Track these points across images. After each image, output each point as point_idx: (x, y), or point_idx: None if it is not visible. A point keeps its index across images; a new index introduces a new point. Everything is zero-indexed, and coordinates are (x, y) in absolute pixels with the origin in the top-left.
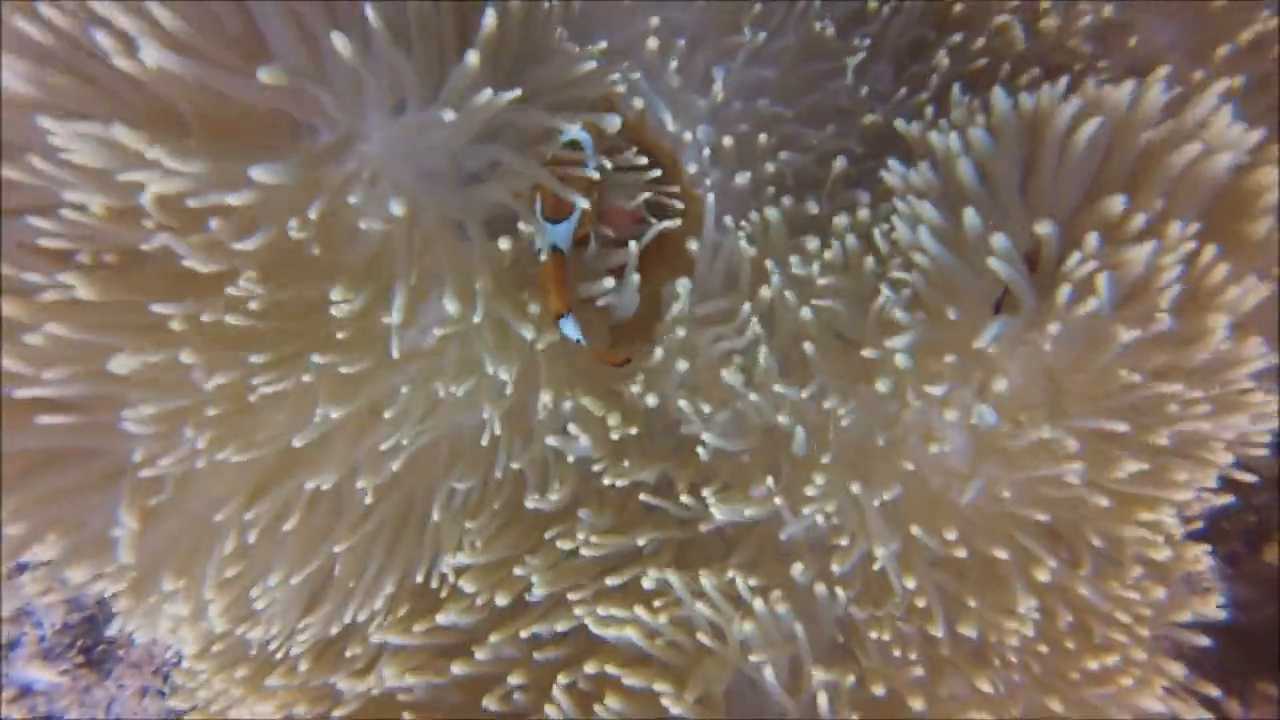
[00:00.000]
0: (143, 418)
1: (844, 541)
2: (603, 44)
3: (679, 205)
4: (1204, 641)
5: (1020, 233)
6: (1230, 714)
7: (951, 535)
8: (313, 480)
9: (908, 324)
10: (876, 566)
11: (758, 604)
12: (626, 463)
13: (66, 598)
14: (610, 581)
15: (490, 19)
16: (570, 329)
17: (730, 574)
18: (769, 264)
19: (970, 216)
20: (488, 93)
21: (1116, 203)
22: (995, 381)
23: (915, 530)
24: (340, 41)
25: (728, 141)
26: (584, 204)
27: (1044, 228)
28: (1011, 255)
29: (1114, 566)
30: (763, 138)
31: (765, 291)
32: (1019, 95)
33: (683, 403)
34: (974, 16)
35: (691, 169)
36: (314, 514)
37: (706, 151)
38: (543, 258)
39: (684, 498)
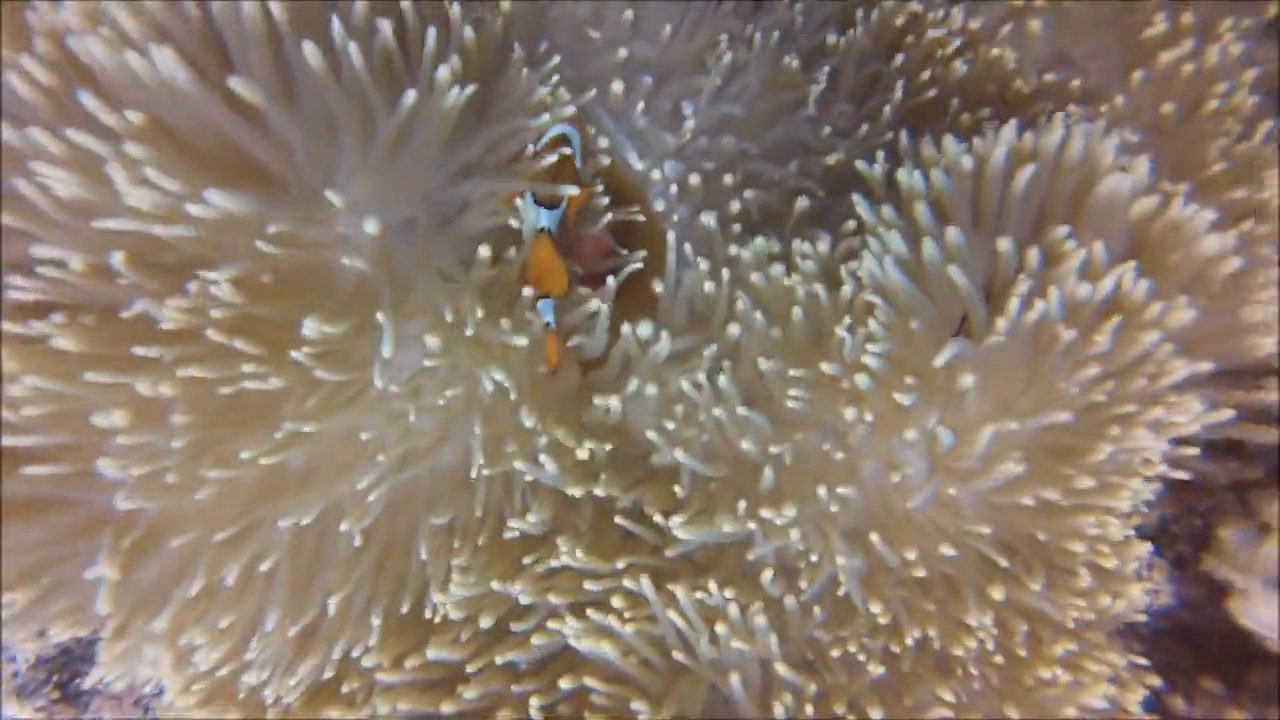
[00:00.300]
0: (121, 460)
1: (814, 557)
2: (556, 60)
3: (641, 218)
4: (1141, 618)
5: (974, 263)
6: (1174, 709)
7: (912, 555)
8: (295, 515)
9: (880, 335)
10: (841, 591)
11: (732, 609)
12: (603, 476)
13: (46, 645)
14: (589, 585)
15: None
16: (547, 312)
17: (700, 595)
18: (739, 294)
19: (928, 246)
20: (455, 90)
21: (1058, 233)
22: (954, 395)
23: (874, 538)
24: (311, 52)
25: (694, 180)
26: (574, 190)
27: (1003, 245)
28: (964, 255)
29: (1065, 576)
30: (728, 178)
31: (734, 329)
32: (972, 140)
33: (651, 434)
34: (920, 45)
35: (659, 206)
36: (300, 553)
37: (674, 189)
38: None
39: (657, 518)
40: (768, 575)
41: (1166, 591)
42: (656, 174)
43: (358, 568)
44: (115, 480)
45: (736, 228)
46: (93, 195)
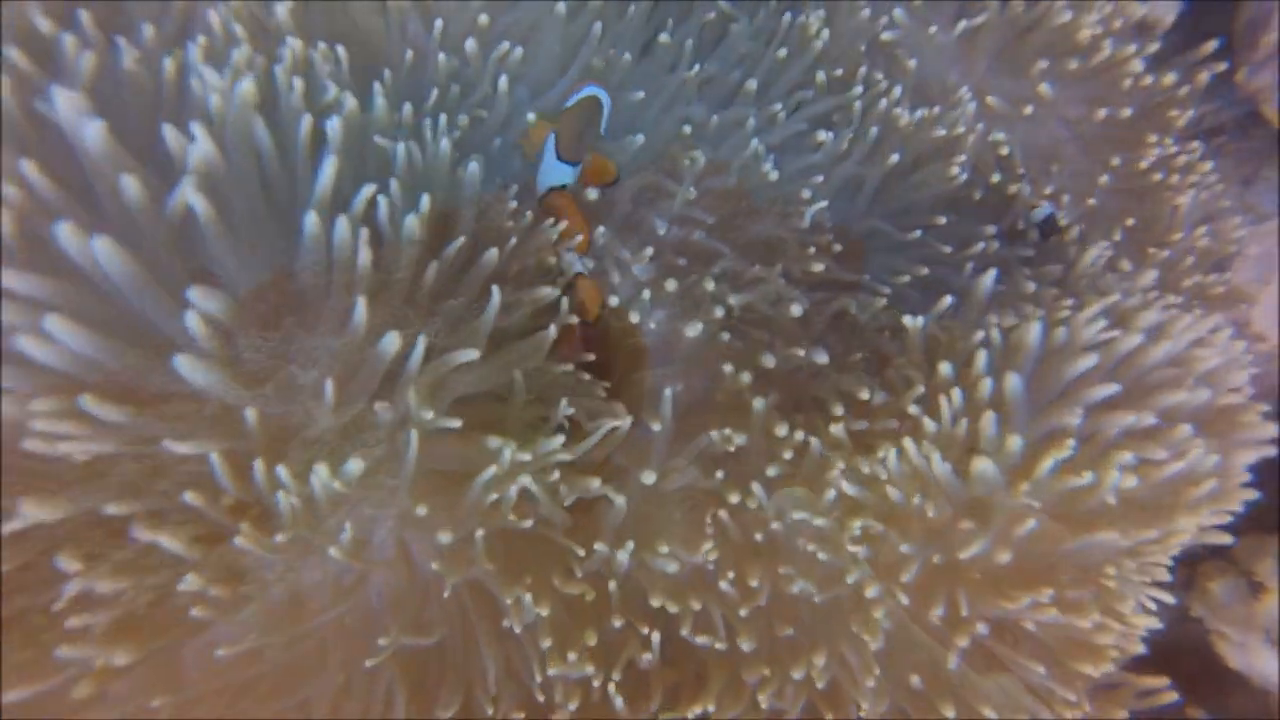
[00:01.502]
0: None
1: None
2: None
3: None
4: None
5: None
6: None
7: (950, 713)
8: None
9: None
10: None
11: None
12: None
13: None
14: None
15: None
16: (577, 263)
17: None
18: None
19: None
20: None
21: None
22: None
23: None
24: None
25: (670, 285)
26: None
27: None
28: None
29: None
30: (710, 284)
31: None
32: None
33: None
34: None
35: (634, 318)
36: None
37: (646, 293)
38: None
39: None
40: None
41: None
42: (628, 286)
43: None
44: None
45: (726, 337)
46: None
